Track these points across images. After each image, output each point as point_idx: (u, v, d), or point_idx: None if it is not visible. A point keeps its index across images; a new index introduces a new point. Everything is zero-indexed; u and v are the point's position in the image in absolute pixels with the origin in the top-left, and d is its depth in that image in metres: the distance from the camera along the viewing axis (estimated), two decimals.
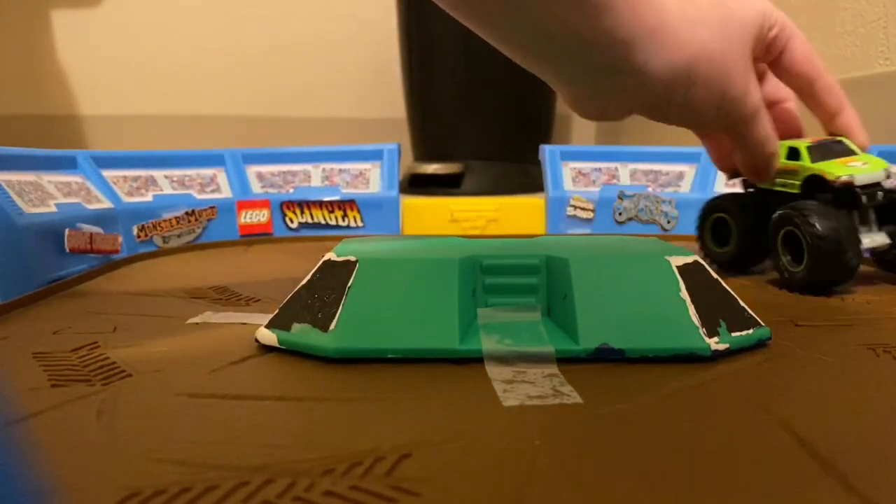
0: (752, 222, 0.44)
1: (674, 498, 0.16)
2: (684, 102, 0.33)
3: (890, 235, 0.40)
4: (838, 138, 0.41)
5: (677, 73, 0.32)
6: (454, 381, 0.25)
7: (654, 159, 0.71)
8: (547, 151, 0.71)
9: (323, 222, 0.68)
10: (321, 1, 1.37)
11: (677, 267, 0.28)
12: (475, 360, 0.26)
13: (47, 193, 0.47)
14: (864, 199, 0.39)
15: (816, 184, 0.40)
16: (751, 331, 0.28)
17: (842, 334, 0.31)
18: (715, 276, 0.30)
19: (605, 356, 0.26)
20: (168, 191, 0.63)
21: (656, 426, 0.20)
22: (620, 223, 0.69)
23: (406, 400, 0.23)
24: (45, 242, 0.43)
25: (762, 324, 0.29)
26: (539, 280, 0.29)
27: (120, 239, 0.53)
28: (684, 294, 0.27)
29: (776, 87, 0.42)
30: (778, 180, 0.42)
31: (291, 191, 0.69)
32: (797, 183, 0.41)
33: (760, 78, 0.40)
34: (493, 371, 0.25)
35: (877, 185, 0.39)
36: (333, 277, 0.28)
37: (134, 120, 1.31)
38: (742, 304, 0.29)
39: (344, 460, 0.18)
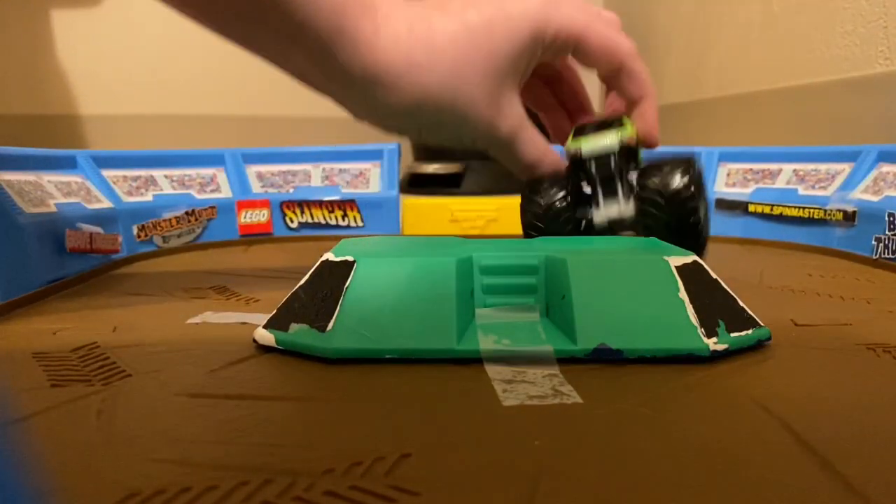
0: None
1: (673, 498, 0.16)
2: (427, 134, 0.35)
3: (643, 204, 0.37)
4: (620, 118, 0.38)
5: (405, 113, 0.33)
6: (453, 381, 0.25)
7: (653, 158, 0.71)
8: None
9: (323, 222, 0.68)
10: None
11: (676, 267, 0.28)
12: (474, 361, 0.26)
13: (47, 193, 0.47)
14: (593, 169, 0.37)
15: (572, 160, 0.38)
16: (750, 331, 0.28)
17: (842, 334, 0.31)
18: (714, 276, 0.30)
19: (604, 357, 0.26)
20: (168, 190, 0.63)
21: (656, 426, 0.20)
22: None
23: (405, 400, 0.23)
24: (45, 242, 0.43)
25: (761, 324, 0.29)
26: (537, 280, 0.29)
27: (120, 239, 0.53)
28: (683, 294, 0.27)
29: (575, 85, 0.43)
30: None
31: (291, 190, 0.69)
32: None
33: (554, 79, 0.42)
34: (493, 371, 0.25)
35: (608, 155, 0.37)
36: (331, 277, 0.28)
37: (134, 120, 1.31)
38: (741, 304, 0.29)
39: (343, 460, 0.18)
